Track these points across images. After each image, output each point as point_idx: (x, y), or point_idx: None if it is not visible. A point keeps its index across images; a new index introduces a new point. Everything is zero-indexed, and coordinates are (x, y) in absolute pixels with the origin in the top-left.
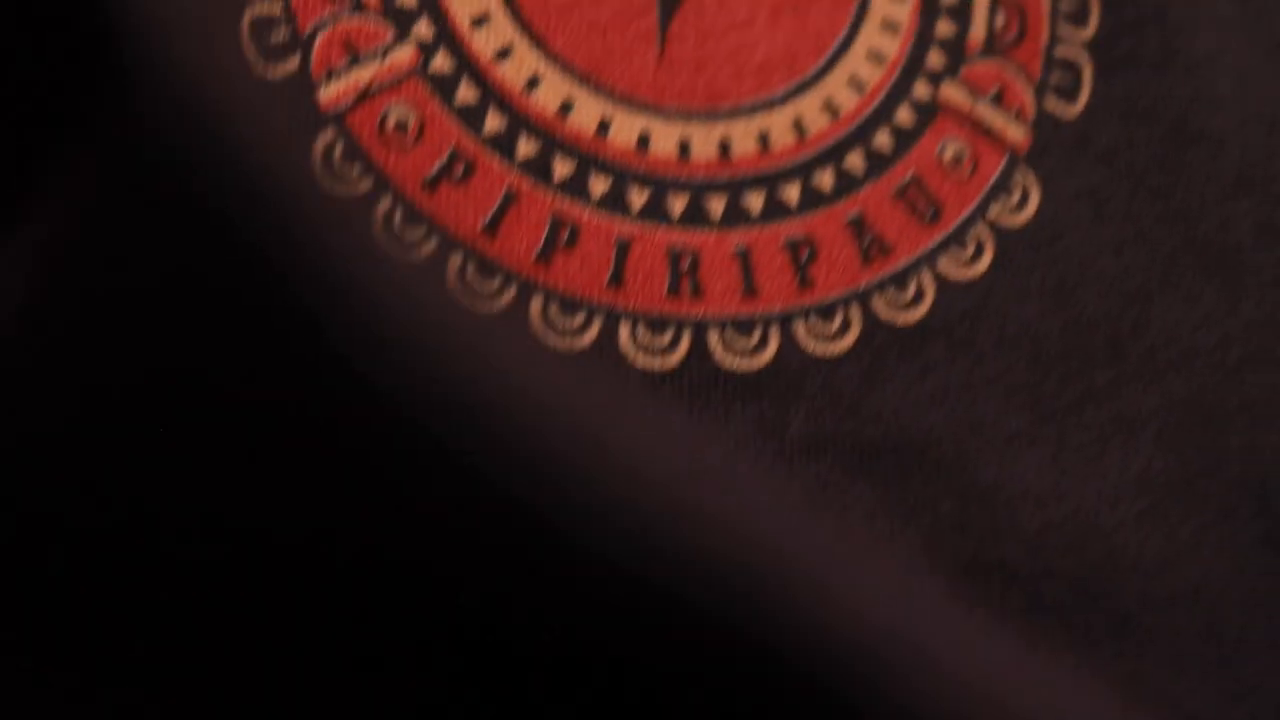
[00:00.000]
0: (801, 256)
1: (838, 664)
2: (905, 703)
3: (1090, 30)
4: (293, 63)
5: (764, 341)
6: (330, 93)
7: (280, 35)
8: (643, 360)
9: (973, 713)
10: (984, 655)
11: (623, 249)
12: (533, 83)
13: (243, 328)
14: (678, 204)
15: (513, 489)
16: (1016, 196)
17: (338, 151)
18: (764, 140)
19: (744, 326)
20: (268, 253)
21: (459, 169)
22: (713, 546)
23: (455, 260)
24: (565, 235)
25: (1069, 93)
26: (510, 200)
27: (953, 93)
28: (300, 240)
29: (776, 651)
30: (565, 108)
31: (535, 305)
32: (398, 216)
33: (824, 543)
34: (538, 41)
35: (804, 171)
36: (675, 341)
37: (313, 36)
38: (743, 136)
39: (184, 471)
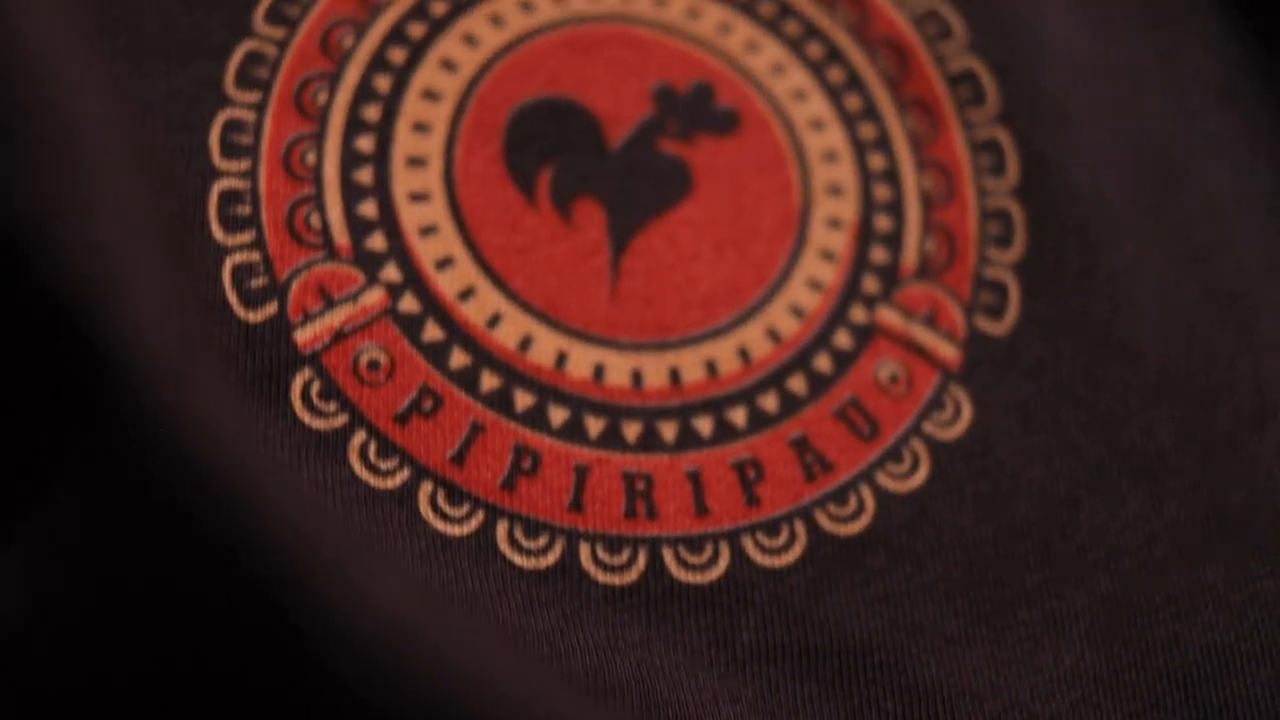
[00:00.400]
0: (749, 476)
1: None
2: None
3: (1016, 252)
4: (271, 307)
5: (715, 557)
6: (307, 334)
7: (259, 281)
8: (603, 577)
9: None
10: None
11: (581, 474)
12: (494, 320)
13: (222, 612)
14: (632, 431)
15: (484, 706)
16: (950, 412)
17: (315, 389)
18: (711, 368)
19: (696, 544)
20: (245, 507)
21: (428, 403)
22: None
23: (426, 488)
24: (528, 463)
25: (997, 312)
26: (476, 431)
27: (888, 316)
28: (278, 479)
29: None
30: (525, 343)
31: (501, 529)
32: (372, 449)
33: None
34: (498, 282)
35: (749, 396)
36: (633, 559)
37: (289, 282)
38: (691, 365)
39: None
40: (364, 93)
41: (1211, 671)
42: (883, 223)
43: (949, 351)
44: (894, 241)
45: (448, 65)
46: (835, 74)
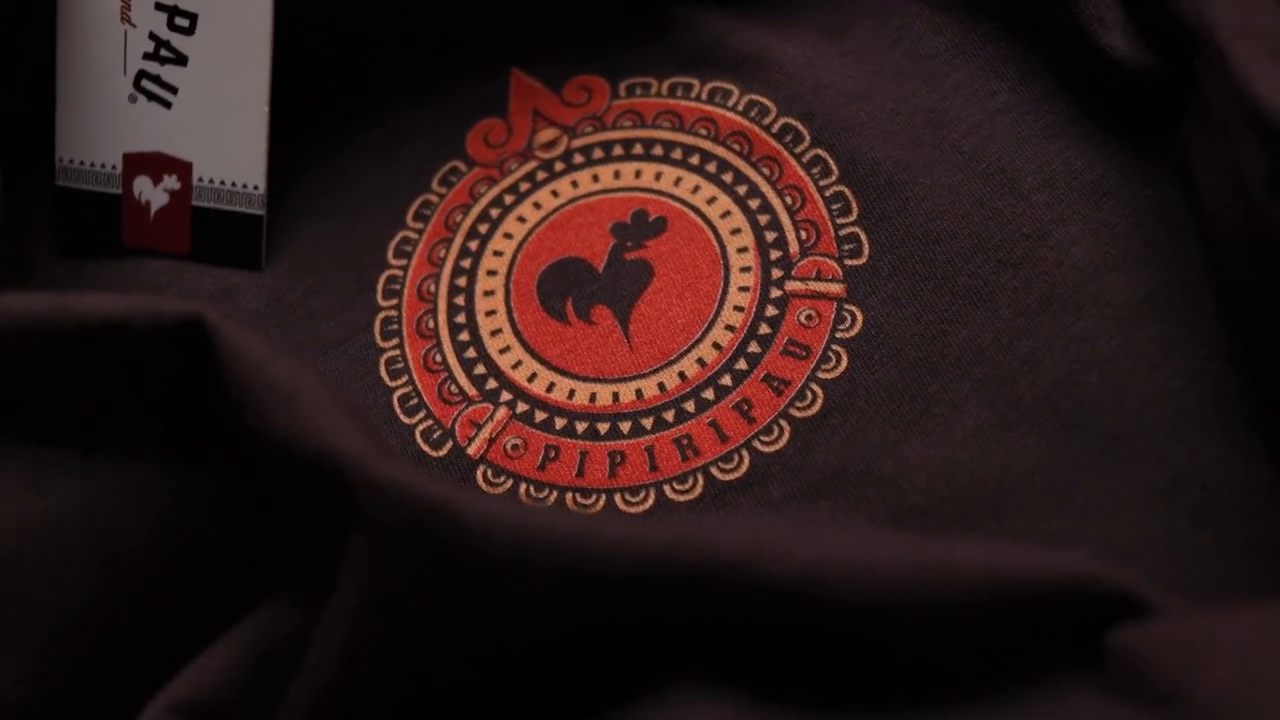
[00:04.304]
0: (744, 409)
1: None
2: None
3: (855, 214)
4: (449, 444)
5: (741, 460)
6: (473, 448)
7: (437, 434)
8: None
9: None
10: None
11: (650, 453)
12: (571, 394)
13: None
14: (690, 405)
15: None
16: (849, 321)
17: (489, 473)
18: (701, 362)
19: (729, 459)
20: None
21: (553, 454)
22: None
23: (569, 498)
24: (618, 459)
25: (857, 252)
26: (583, 456)
27: (793, 285)
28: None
29: None
30: (592, 398)
31: (618, 498)
32: (530, 490)
33: None
34: (566, 373)
35: (730, 366)
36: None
37: (453, 427)
38: (690, 365)
39: None
40: (452, 309)
41: (1059, 377)
42: (770, 236)
43: (836, 288)
44: (781, 243)
45: (491, 273)
46: (728, 177)
